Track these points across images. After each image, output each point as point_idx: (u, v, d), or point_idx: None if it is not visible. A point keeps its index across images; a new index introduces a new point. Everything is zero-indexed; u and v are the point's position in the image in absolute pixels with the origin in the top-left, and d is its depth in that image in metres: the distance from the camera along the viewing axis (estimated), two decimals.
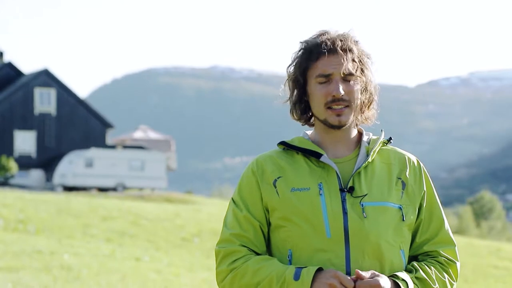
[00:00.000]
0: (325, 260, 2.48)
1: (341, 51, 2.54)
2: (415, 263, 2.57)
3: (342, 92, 2.52)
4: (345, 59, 2.53)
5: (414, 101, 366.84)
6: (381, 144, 2.64)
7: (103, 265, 13.38)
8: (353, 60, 2.55)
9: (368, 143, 2.63)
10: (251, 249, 2.57)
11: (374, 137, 2.66)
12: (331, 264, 2.47)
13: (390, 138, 2.69)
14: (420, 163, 2.67)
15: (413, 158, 2.67)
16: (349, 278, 2.39)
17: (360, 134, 2.67)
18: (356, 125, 2.66)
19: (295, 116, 2.65)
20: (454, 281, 2.62)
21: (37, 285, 10.48)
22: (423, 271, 2.54)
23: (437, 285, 2.55)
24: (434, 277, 2.55)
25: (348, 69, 2.53)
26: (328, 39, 2.56)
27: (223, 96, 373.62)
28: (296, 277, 2.41)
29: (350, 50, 2.55)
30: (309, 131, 2.69)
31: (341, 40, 2.56)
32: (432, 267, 2.57)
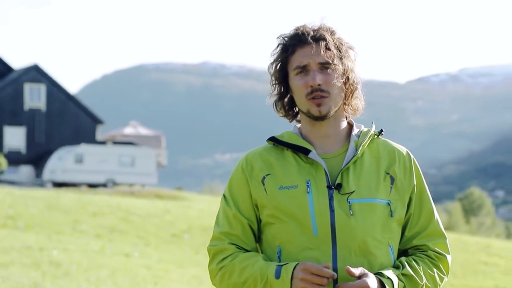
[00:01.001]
0: (312, 258, 2.47)
1: (313, 41, 2.54)
2: (402, 259, 2.55)
3: (319, 81, 2.51)
4: (318, 48, 2.53)
5: (404, 97, 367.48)
6: (371, 137, 2.61)
7: (93, 261, 13.36)
8: (328, 49, 2.53)
9: (358, 137, 2.61)
10: (240, 246, 2.58)
11: (365, 130, 2.64)
12: (317, 261, 2.46)
13: (381, 131, 2.65)
14: (411, 155, 2.64)
15: (403, 151, 2.64)
16: (317, 265, 2.38)
17: (351, 126, 2.65)
18: (346, 117, 2.64)
19: (280, 113, 2.65)
20: (445, 275, 2.59)
21: (26, 281, 10.46)
22: (410, 267, 2.52)
23: (424, 280, 2.53)
24: (422, 273, 2.52)
25: (323, 57, 2.53)
26: (302, 31, 2.56)
27: (214, 92, 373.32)
28: (277, 275, 2.42)
29: (324, 39, 2.54)
30: (300, 125, 2.67)
31: (313, 31, 2.56)
32: (420, 262, 2.55)
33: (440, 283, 2.59)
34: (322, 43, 2.53)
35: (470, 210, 64.27)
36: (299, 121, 2.67)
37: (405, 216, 2.60)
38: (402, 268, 2.51)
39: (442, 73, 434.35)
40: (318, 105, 2.53)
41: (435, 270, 2.56)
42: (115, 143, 51.50)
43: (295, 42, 2.55)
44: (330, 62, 2.53)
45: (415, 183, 2.61)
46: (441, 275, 2.58)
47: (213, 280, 2.59)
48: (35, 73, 52.00)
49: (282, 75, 2.60)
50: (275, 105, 2.64)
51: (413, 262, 2.55)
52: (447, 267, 2.60)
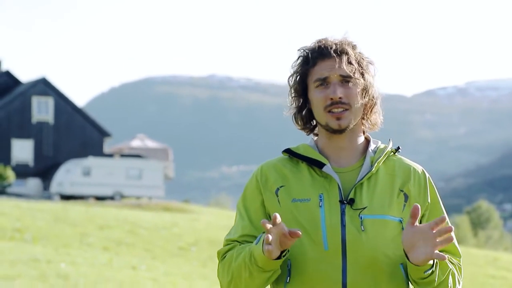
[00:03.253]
0: (322, 272, 2.47)
1: (335, 54, 2.54)
2: None
3: (340, 95, 2.51)
4: (340, 62, 2.53)
5: (411, 110, 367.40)
6: (387, 154, 2.61)
7: (100, 274, 13.36)
8: (350, 63, 2.54)
9: (375, 153, 2.61)
10: None
11: (382, 146, 2.64)
12: (327, 275, 2.47)
13: (398, 148, 2.65)
14: (426, 173, 2.64)
15: (419, 169, 2.63)
16: (269, 225, 2.34)
17: (368, 142, 2.65)
18: (363, 132, 2.65)
19: (299, 125, 2.65)
20: (461, 279, 2.59)
21: None
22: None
23: (450, 267, 2.51)
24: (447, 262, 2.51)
25: (344, 71, 2.53)
26: (324, 44, 2.57)
27: (220, 105, 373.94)
28: (257, 241, 2.45)
29: (346, 53, 2.54)
30: (316, 138, 2.67)
31: (335, 44, 2.56)
32: None
33: (459, 280, 2.58)
34: (344, 57, 2.53)
35: (478, 223, 64.12)
36: (316, 135, 2.66)
37: None
38: None
39: (450, 86, 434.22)
40: (338, 118, 2.53)
41: (454, 268, 2.55)
42: (123, 156, 51.59)
43: (317, 55, 2.55)
44: (352, 75, 2.53)
45: (429, 201, 2.61)
46: (458, 277, 2.57)
47: (218, 275, 2.59)
48: (43, 86, 52.19)
49: (301, 88, 2.60)
50: (294, 118, 2.64)
51: None
52: (461, 275, 2.60)
